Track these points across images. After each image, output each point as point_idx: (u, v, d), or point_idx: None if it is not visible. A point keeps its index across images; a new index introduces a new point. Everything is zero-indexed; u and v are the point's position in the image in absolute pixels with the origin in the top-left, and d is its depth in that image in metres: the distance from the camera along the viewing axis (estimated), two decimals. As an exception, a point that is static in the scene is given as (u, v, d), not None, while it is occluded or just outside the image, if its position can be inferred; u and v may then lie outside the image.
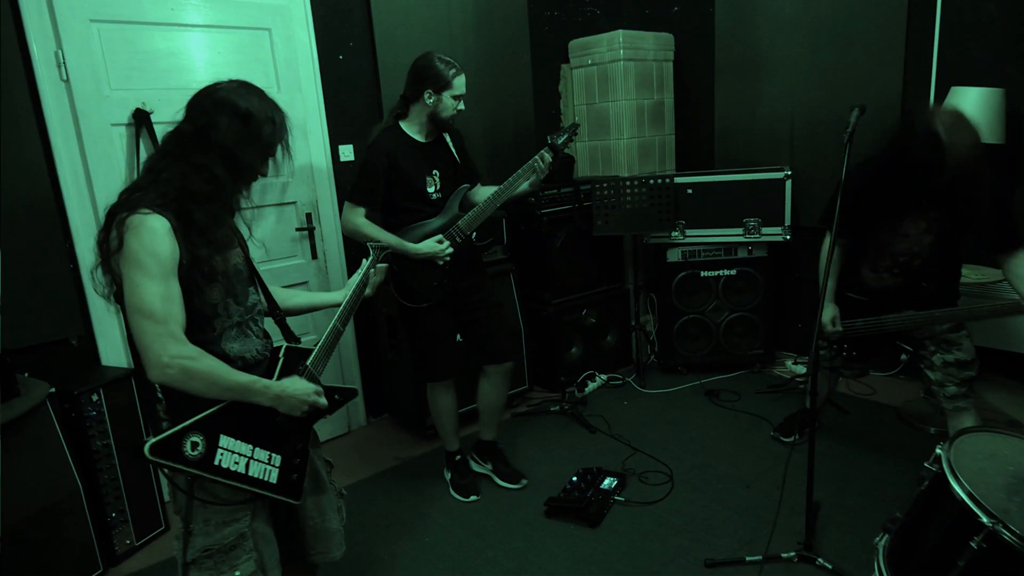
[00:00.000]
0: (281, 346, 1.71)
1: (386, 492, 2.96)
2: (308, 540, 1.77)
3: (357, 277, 1.99)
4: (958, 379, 2.45)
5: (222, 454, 1.47)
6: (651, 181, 3.66)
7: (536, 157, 2.59)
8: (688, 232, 3.82)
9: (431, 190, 2.61)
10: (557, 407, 3.60)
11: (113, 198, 1.47)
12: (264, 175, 1.60)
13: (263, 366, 1.64)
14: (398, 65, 3.46)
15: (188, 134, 1.48)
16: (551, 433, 3.28)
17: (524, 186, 2.64)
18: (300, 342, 1.77)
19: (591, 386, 3.85)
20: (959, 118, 2.13)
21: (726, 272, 3.85)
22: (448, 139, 2.68)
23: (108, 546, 2.52)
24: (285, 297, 1.89)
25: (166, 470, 1.44)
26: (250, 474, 1.52)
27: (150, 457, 1.39)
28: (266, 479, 1.55)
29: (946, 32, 3.20)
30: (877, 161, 2.34)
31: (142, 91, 2.76)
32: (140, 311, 1.37)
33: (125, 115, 2.73)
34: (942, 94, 3.11)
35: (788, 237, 3.68)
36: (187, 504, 1.49)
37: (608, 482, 2.79)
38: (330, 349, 1.79)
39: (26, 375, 2.39)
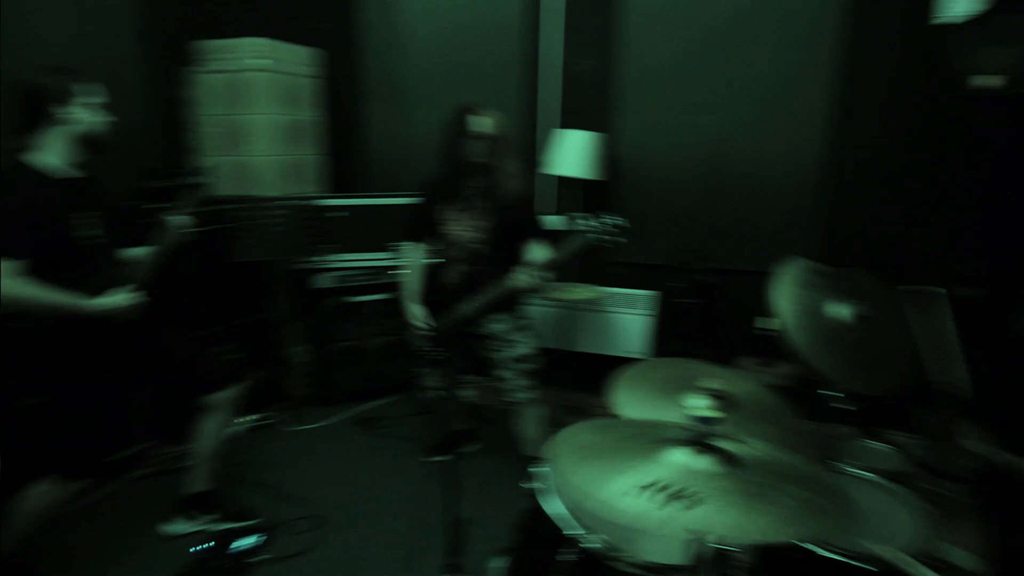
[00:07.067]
0: None
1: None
2: None
3: None
4: (521, 372, 2.81)
5: None
6: (298, 203, 3.44)
7: None
8: (338, 257, 3.68)
9: None
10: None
11: None
12: None
13: None
14: None
15: None
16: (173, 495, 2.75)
17: None
18: None
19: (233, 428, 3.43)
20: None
21: (378, 296, 3.81)
22: None
23: None
24: None
25: None
26: None
27: None
28: None
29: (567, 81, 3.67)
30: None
31: None
32: None
33: None
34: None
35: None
36: None
37: (244, 542, 2.46)
38: None
39: None
